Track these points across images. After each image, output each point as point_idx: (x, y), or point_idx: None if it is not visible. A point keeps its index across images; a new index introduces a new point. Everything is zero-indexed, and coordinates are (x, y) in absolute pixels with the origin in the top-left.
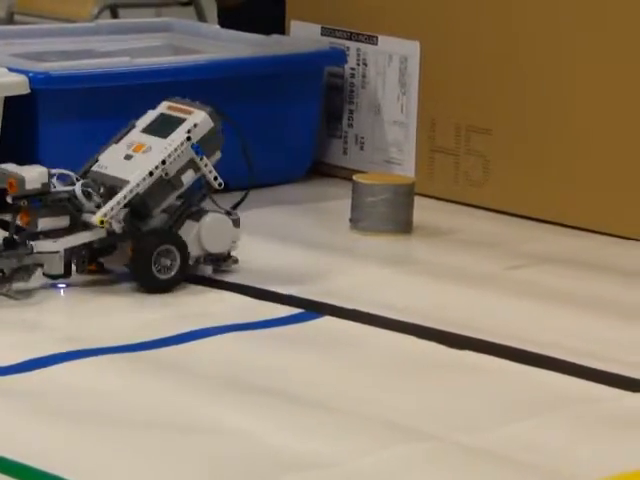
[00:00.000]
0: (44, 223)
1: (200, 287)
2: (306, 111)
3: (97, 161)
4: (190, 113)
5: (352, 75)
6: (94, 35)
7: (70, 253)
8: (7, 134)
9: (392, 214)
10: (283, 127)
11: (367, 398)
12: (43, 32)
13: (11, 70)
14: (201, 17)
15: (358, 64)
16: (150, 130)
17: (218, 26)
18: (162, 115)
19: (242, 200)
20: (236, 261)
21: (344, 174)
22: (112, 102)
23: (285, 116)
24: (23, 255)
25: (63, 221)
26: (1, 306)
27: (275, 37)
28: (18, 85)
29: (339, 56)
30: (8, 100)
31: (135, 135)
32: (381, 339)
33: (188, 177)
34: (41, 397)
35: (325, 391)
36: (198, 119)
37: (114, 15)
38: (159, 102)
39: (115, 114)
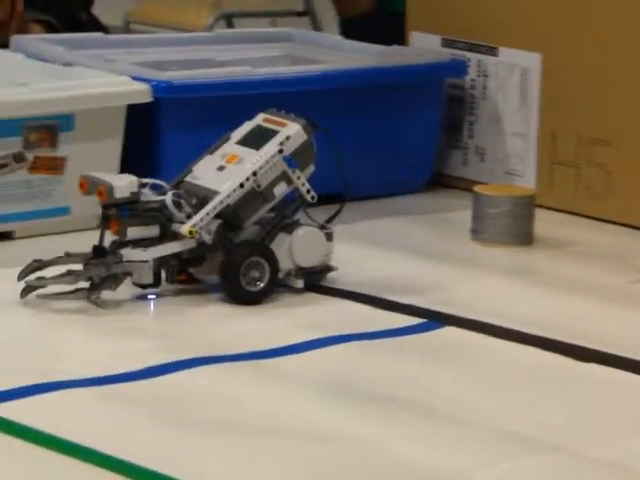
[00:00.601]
0: (133, 232)
1: (321, 296)
2: (427, 122)
3: (191, 171)
4: (284, 125)
5: (472, 86)
6: (214, 44)
7: (160, 263)
8: (129, 142)
9: (513, 225)
10: (404, 138)
11: (489, 409)
12: (163, 41)
13: (134, 79)
14: (316, 27)
15: (479, 75)
16: (244, 142)
17: (338, 36)
18: (257, 127)
19: (337, 214)
20: (330, 269)
21: (464, 185)
22: (232, 111)
23: (406, 127)
24: (112, 264)
25: (153, 230)
26: (117, 313)
27: (395, 48)
28: (141, 94)
29: (460, 67)
30: (130, 108)
31: (229, 146)
32: (502, 350)
33: (280, 189)
34: (161, 404)
35: (446, 401)
36: (291, 132)
37: (229, 25)
38: (279, 112)
39: (235, 124)
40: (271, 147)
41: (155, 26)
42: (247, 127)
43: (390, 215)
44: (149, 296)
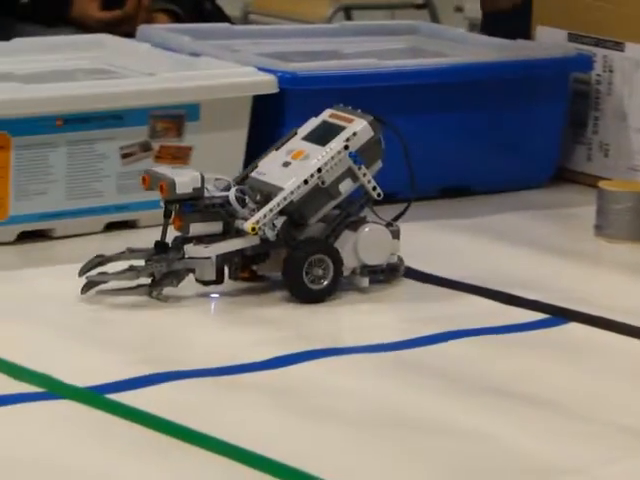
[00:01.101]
0: (196, 228)
1: (445, 289)
2: (551, 117)
3: (256, 167)
4: (350, 121)
5: (598, 82)
6: (338, 36)
7: (223, 259)
8: (254, 133)
9: (637, 221)
10: (528, 132)
11: (613, 405)
12: (288, 32)
13: (259, 70)
14: (435, 19)
15: (604, 71)
16: (310, 138)
17: (462, 29)
18: (324, 123)
19: (404, 212)
20: (397, 268)
21: (587, 180)
22: (356, 104)
23: (530, 121)
24: (174, 260)
25: (216, 227)
26: (245, 304)
27: (520, 42)
28: (266, 84)
29: (586, 62)
30: (255, 99)
31: (295, 142)
32: (627, 347)
33: (346, 186)
34: (282, 394)
35: (570, 397)
36: (358, 128)
37: (348, 17)
38: (403, 104)
39: None
40: (337, 143)
41: (274, 17)
42: (314, 123)
43: (514, 210)
44: (212, 295)
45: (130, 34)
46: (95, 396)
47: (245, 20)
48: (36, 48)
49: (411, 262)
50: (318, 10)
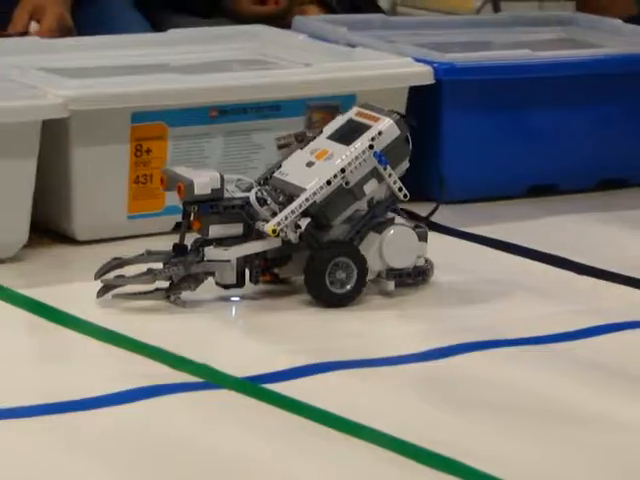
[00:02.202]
0: (215, 230)
1: (601, 281)
2: None
3: (280, 166)
4: (376, 120)
5: None
6: (492, 27)
7: (244, 262)
8: None
9: None
10: None
11: None
12: (443, 23)
13: (416, 60)
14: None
15: None
16: (335, 137)
17: (619, 20)
18: (350, 121)
19: (432, 213)
20: (424, 272)
21: None
22: (512, 94)
23: None
24: (192, 263)
25: (236, 229)
26: (407, 294)
27: None
28: (423, 75)
29: None
30: (411, 90)
31: (320, 141)
32: None
33: (371, 187)
34: (449, 386)
35: None
36: (383, 127)
37: (496, 8)
38: (558, 96)
39: (515, 107)
40: (362, 143)
41: (422, 9)
42: (339, 121)
43: None
44: (232, 298)
45: (285, 26)
46: (253, 386)
47: (393, 12)
48: (192, 39)
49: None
50: (466, 2)
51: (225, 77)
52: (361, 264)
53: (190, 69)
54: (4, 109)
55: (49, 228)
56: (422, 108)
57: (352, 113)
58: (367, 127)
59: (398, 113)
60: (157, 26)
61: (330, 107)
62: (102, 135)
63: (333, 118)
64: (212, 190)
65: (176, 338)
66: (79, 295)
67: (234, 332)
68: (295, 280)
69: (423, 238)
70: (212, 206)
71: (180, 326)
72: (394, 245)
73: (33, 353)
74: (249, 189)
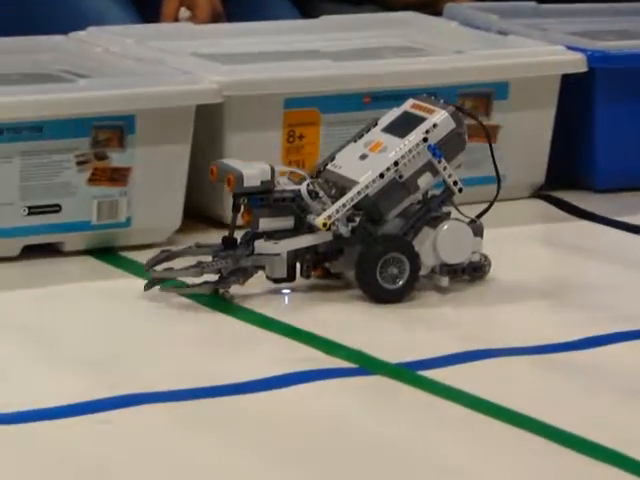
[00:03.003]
0: (265, 223)
1: None
2: None
3: (333, 159)
4: (431, 112)
5: None
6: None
7: (294, 256)
8: (561, 113)
9: None
10: None
11: None
12: (596, 11)
13: (569, 48)
14: None
15: None
16: (390, 129)
17: None
18: (405, 113)
19: (488, 209)
20: (480, 267)
21: None
22: None
23: None
24: (241, 256)
25: (287, 222)
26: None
27: None
28: (576, 63)
29: None
30: (563, 78)
31: (375, 133)
32: None
33: (425, 180)
34: (598, 374)
35: None
36: (438, 119)
37: None
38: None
39: None
40: (416, 135)
41: None
42: (394, 113)
43: None
44: (283, 290)
45: (435, 14)
46: (408, 372)
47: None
48: (343, 26)
49: None
50: None
51: (377, 64)
52: (414, 259)
53: (341, 56)
54: (159, 94)
55: (202, 214)
56: (573, 96)
57: (407, 105)
58: (422, 119)
59: (454, 105)
60: (307, 14)
61: (482, 94)
62: (255, 121)
63: (486, 106)
64: (262, 182)
65: (328, 324)
66: None
67: (378, 320)
68: (348, 275)
69: (479, 233)
70: (262, 199)
71: (332, 313)
72: (448, 240)
73: (188, 337)
74: (302, 181)
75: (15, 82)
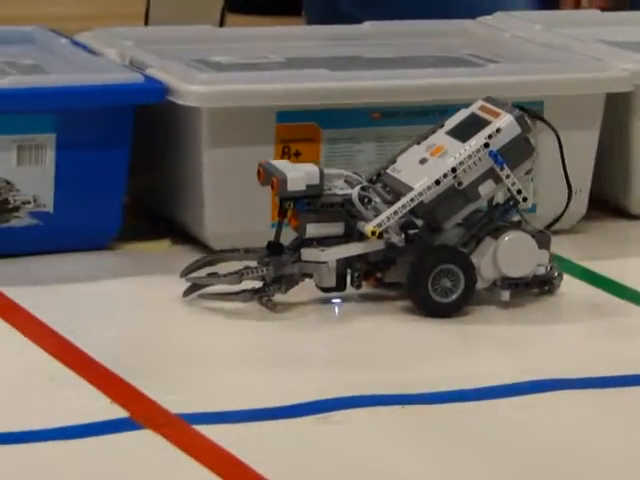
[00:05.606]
0: (313, 229)
1: None
2: None
3: (394, 162)
4: (497, 116)
5: None
6: None
7: (345, 265)
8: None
9: None
10: None
11: None
12: None
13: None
14: None
15: None
16: (454, 132)
17: None
18: (472, 115)
19: (557, 219)
20: (546, 282)
21: None
22: None
23: None
24: (285, 263)
25: (336, 228)
26: None
27: None
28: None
29: None
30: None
31: (438, 136)
32: None
33: (487, 188)
34: None
35: None
36: (502, 123)
37: None
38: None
39: None
40: (477, 140)
41: None
42: (462, 115)
43: None
44: (333, 300)
45: None
46: None
47: None
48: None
49: None
50: None
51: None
52: (469, 271)
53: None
54: (569, 81)
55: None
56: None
57: (475, 107)
58: (486, 123)
59: (522, 108)
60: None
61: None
62: None
63: None
64: (308, 186)
65: None
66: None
67: None
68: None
69: (545, 245)
70: (309, 203)
71: None
72: (509, 252)
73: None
74: (357, 186)
75: (428, 65)
